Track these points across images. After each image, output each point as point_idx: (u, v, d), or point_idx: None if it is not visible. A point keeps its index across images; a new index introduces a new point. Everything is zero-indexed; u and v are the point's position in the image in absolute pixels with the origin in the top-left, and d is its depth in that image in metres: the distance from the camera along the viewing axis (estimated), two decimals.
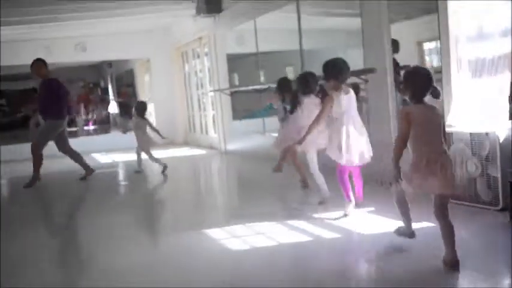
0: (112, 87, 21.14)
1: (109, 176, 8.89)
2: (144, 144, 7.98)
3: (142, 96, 15.47)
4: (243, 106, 11.37)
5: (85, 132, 18.31)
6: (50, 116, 7.73)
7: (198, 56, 11.79)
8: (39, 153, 7.71)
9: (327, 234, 4.14)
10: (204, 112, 11.76)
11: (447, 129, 4.06)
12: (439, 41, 5.03)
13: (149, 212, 6.11)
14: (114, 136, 15.71)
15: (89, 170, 8.03)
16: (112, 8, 9.51)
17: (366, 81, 5.89)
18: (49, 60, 13.07)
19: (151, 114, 14.69)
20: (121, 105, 19.85)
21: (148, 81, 14.66)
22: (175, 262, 3.87)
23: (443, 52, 4.90)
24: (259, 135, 9.45)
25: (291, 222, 4.56)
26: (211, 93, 10.89)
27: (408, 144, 3.22)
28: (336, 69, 4.49)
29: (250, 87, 9.63)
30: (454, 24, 4.76)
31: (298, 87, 5.26)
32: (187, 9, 9.86)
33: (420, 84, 3.20)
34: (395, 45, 5.82)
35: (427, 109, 3.22)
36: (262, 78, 10.04)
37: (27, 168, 7.96)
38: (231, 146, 10.06)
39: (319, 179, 5.04)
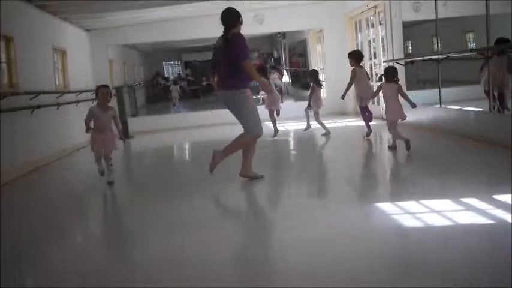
0: (284, 57, 21.67)
1: (279, 144, 9.27)
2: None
3: (314, 66, 15.66)
4: (418, 76, 10.93)
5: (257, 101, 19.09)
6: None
7: (372, 25, 11.54)
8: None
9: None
10: (377, 82, 11.52)
11: None
12: None
13: (320, 181, 6.29)
14: (286, 105, 16.23)
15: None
16: None
17: None
18: None
19: (323, 84, 14.85)
20: (292, 75, 20.30)
21: (320, 51, 14.76)
22: (345, 235, 3.85)
23: None
24: (435, 107, 9.01)
25: (466, 200, 4.33)
26: (384, 64, 10.63)
27: None
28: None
29: (427, 57, 9.20)
30: None
31: None
32: None
33: None
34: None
35: None
36: (436, 47, 9.52)
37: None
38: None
39: None
